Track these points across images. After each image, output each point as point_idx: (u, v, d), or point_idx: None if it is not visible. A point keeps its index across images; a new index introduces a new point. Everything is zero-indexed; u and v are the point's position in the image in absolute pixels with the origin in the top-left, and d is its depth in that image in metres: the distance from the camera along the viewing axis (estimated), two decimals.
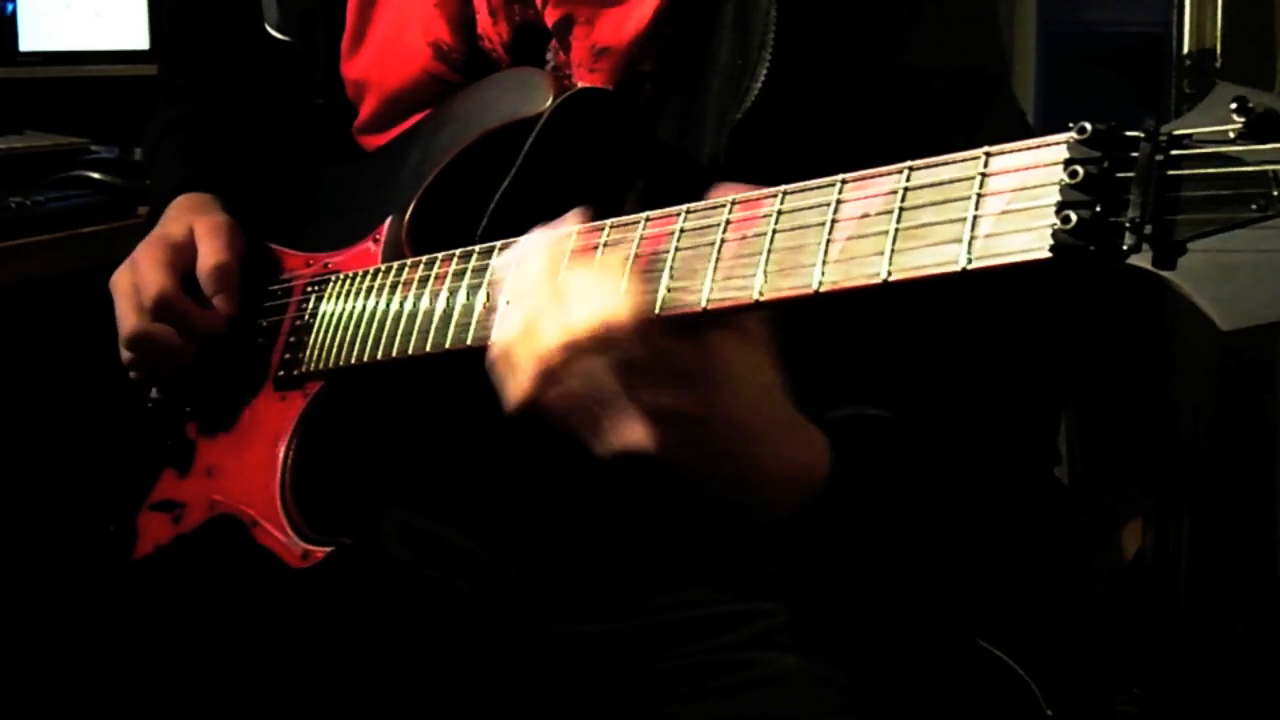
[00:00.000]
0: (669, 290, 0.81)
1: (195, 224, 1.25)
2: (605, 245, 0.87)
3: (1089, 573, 2.13)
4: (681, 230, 0.82)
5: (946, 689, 1.11)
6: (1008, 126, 0.69)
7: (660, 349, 0.81)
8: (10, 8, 2.17)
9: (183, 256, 1.23)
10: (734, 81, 1.02)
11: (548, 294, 0.84)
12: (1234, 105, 0.58)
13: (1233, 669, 2.00)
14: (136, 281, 1.22)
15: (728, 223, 0.80)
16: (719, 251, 0.79)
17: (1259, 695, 1.98)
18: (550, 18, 1.10)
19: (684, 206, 0.83)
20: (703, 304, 0.79)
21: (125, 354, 1.24)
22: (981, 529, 1.12)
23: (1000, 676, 1.19)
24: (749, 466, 0.88)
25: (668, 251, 0.82)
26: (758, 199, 0.79)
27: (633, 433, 0.83)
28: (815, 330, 0.88)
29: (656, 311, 0.81)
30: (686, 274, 0.81)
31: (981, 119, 1.03)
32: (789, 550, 0.97)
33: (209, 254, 1.22)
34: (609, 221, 0.87)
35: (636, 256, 0.84)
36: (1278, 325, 0.55)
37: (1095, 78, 2.38)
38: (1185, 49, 1.97)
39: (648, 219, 0.84)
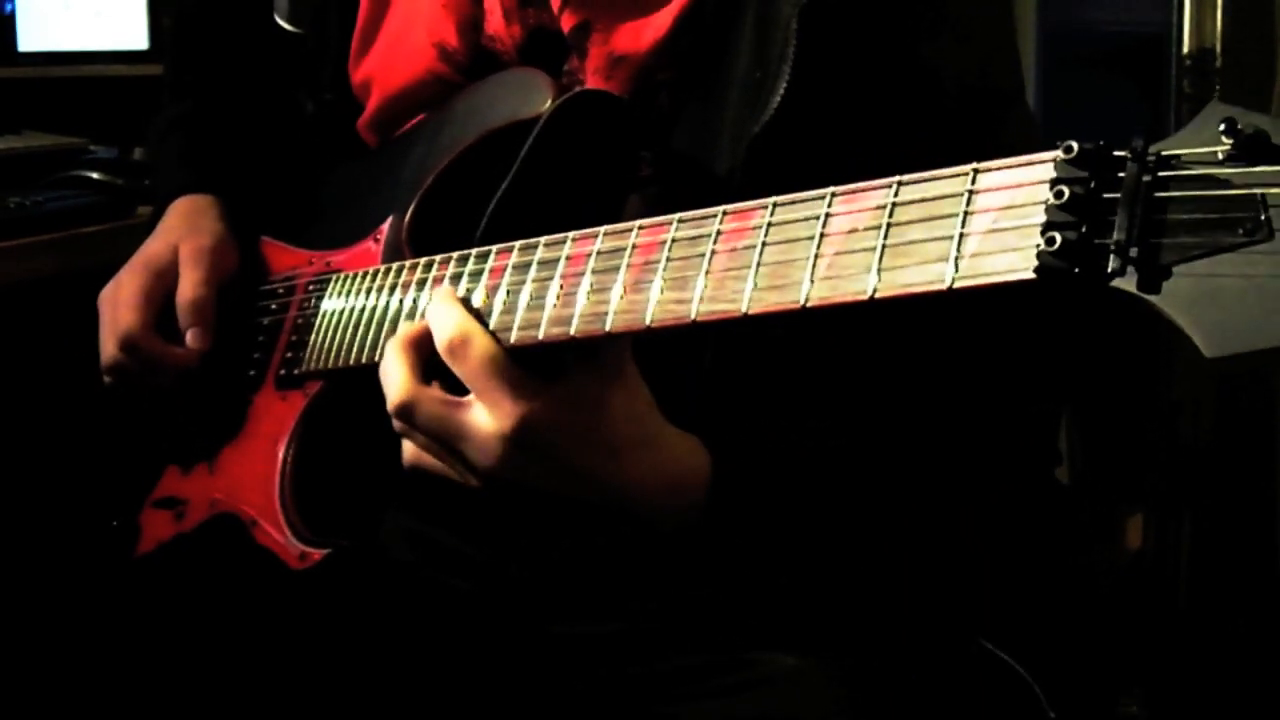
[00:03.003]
0: (659, 303, 0.81)
1: (181, 245, 1.26)
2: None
3: (1090, 572, 2.13)
4: (673, 240, 0.82)
5: (948, 690, 1.11)
6: (1024, 145, 0.68)
7: (503, 381, 0.87)
8: (9, 7, 2.17)
9: (163, 282, 1.25)
10: (752, 94, 1.01)
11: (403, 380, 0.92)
12: (1223, 126, 0.57)
13: (1234, 667, 2.00)
14: (115, 309, 1.24)
15: (719, 233, 0.79)
16: (709, 263, 0.79)
17: (1260, 694, 1.98)
18: (566, 24, 1.09)
19: (676, 215, 0.82)
20: (692, 316, 0.78)
21: (105, 377, 1.27)
22: (979, 530, 1.12)
23: (1002, 677, 1.19)
24: (605, 483, 0.90)
25: (659, 261, 0.82)
26: (749, 210, 0.79)
27: (489, 464, 0.90)
28: (798, 342, 0.89)
29: (646, 323, 0.81)
30: (677, 285, 0.80)
31: (998, 136, 1.02)
32: (706, 558, 0.99)
33: (187, 286, 1.24)
34: (603, 228, 0.87)
35: (630, 266, 0.84)
36: (1264, 353, 0.55)
37: (1095, 77, 2.37)
38: (1185, 49, 1.96)
39: (640, 226, 0.84)
